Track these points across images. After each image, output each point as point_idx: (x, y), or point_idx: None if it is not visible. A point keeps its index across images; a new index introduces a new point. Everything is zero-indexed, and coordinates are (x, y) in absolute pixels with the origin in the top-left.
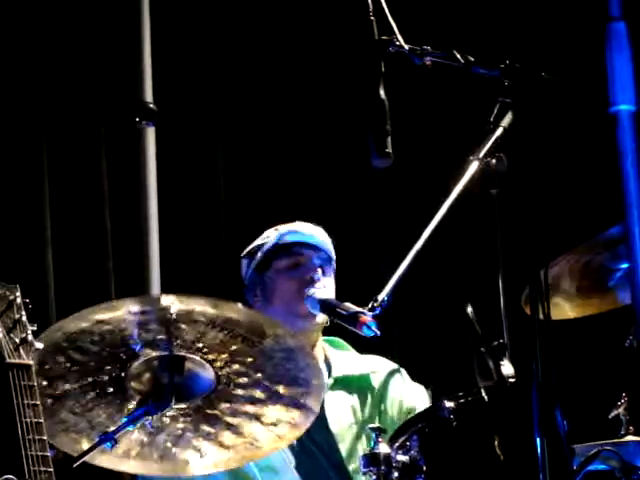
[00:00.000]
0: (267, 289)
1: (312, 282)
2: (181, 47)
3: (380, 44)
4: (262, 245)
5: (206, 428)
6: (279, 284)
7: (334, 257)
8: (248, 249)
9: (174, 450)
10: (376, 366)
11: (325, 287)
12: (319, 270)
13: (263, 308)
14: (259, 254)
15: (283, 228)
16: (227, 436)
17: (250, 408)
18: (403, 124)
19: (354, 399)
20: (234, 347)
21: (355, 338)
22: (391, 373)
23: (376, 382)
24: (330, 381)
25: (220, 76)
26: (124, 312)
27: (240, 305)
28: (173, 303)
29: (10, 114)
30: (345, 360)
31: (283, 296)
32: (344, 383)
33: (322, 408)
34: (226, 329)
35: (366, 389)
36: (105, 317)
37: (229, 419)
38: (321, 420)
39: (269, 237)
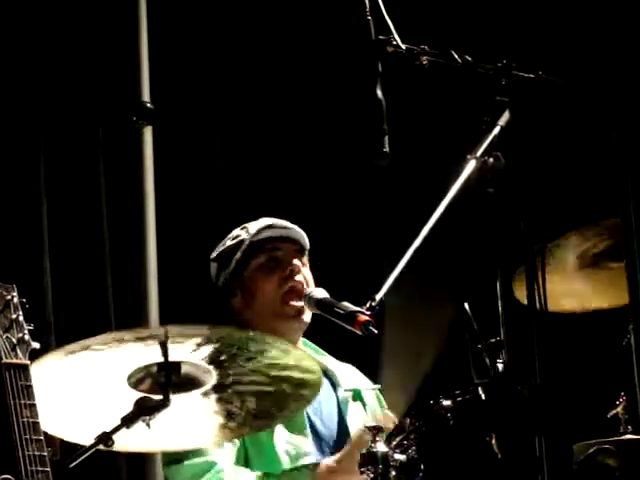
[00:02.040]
0: (247, 289)
1: (291, 276)
2: (178, 47)
3: (377, 44)
4: (235, 246)
5: (209, 413)
6: (259, 282)
7: (308, 247)
8: (218, 251)
9: (183, 427)
10: (365, 380)
11: (308, 279)
12: (296, 263)
13: (244, 309)
14: (237, 254)
15: (253, 226)
16: (234, 411)
17: (249, 396)
18: (401, 123)
19: (368, 413)
20: (229, 353)
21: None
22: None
23: (381, 398)
24: (349, 394)
25: (218, 76)
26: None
27: (232, 328)
28: (165, 331)
29: (7, 113)
30: (346, 370)
31: (265, 294)
32: (358, 396)
33: (343, 418)
34: (220, 342)
35: (375, 404)
36: (99, 347)
37: (229, 407)
38: (344, 431)
39: (240, 236)
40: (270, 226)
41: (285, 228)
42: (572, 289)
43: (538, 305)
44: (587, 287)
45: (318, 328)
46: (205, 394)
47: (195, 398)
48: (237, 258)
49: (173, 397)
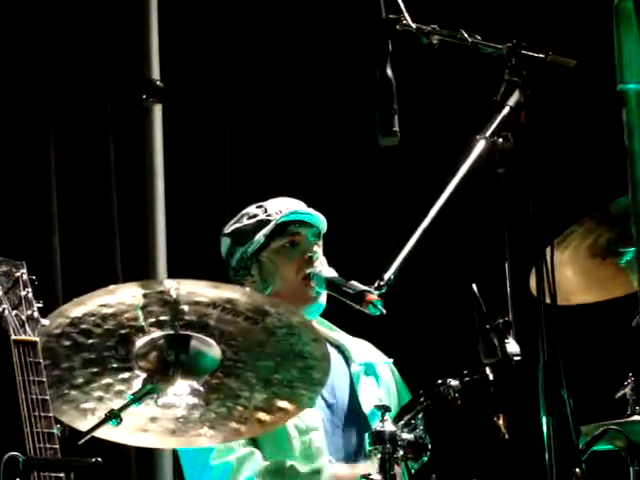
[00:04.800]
0: (264, 270)
1: (311, 261)
2: (188, 24)
3: (387, 23)
4: (255, 225)
5: (216, 402)
6: (278, 265)
7: (325, 231)
8: (233, 227)
9: (186, 424)
10: (379, 354)
11: (323, 263)
12: (316, 250)
13: (260, 289)
14: (257, 235)
15: (273, 206)
16: (237, 409)
17: (257, 383)
18: (410, 103)
19: (382, 386)
20: (237, 325)
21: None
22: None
23: (395, 372)
24: (361, 368)
25: (227, 53)
26: (125, 295)
27: (239, 286)
28: (173, 286)
29: (17, 93)
30: (360, 345)
31: (284, 277)
32: (371, 370)
33: (355, 392)
34: (227, 309)
35: (389, 378)
36: (106, 301)
37: (238, 393)
38: (356, 404)
39: (258, 216)
40: (294, 211)
41: (308, 214)
42: (589, 280)
43: (547, 286)
44: (604, 276)
45: (334, 306)
46: (210, 381)
47: (198, 393)
48: (257, 239)
49: (177, 386)
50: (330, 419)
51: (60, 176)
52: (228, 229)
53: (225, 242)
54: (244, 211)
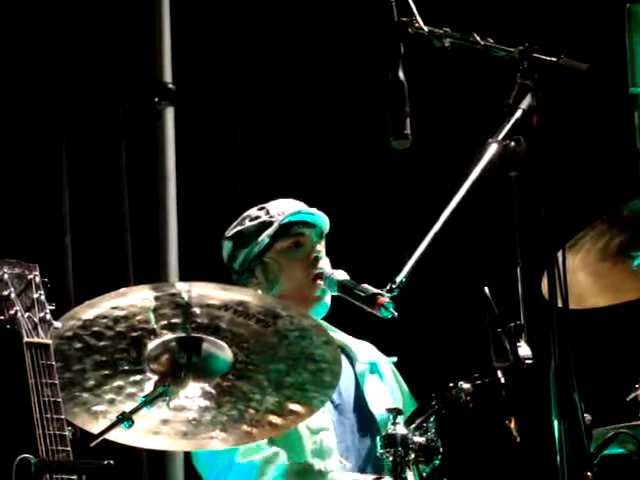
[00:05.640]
0: (269, 271)
1: (316, 262)
2: (200, 27)
3: (400, 26)
4: (258, 227)
5: (228, 404)
6: (283, 266)
7: (327, 231)
8: (235, 230)
9: (198, 427)
10: (381, 355)
11: (328, 264)
12: (319, 249)
13: (265, 291)
14: (261, 236)
15: (276, 208)
16: (248, 412)
17: (269, 385)
18: (422, 106)
19: (386, 385)
20: (248, 328)
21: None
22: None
23: (396, 371)
24: (366, 366)
25: (239, 56)
26: (136, 298)
27: (250, 289)
28: (185, 288)
29: (29, 94)
30: (362, 346)
31: (289, 278)
32: (375, 369)
33: (361, 390)
34: (239, 312)
35: (392, 377)
36: (118, 303)
37: (249, 395)
38: (363, 403)
39: (260, 218)
40: (298, 211)
41: (311, 214)
42: (601, 284)
43: (558, 289)
44: (616, 280)
45: (335, 307)
46: (222, 384)
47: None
48: (261, 240)
49: (188, 389)
50: (338, 419)
51: (72, 179)
52: (229, 232)
53: (227, 246)
54: (245, 214)
